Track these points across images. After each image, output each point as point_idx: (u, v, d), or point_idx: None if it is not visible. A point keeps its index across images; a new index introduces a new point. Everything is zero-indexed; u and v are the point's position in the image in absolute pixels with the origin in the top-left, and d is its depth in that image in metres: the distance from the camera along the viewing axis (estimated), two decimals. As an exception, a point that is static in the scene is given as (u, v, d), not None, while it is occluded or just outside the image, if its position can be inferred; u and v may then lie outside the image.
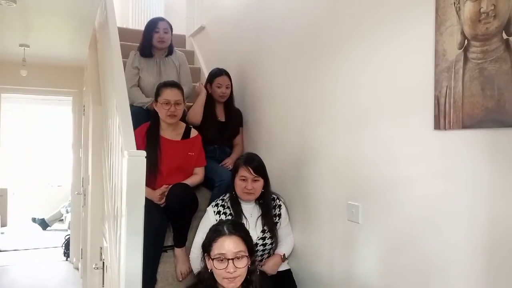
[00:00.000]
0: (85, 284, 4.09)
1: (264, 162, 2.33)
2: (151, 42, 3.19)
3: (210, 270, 1.64)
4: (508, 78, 1.24)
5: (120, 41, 2.53)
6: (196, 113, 2.91)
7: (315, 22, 2.24)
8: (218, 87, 2.97)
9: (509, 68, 1.24)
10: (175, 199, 2.37)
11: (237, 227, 1.71)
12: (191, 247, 2.32)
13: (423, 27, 1.53)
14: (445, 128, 1.44)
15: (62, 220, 7.91)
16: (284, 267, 2.36)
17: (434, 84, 1.48)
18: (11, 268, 5.69)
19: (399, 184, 1.66)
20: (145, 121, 2.62)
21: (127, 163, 1.59)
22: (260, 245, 2.26)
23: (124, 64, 2.42)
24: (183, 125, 2.68)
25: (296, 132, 2.43)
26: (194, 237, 2.43)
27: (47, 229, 7.92)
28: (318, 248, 2.21)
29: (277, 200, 2.39)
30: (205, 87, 3.01)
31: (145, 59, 3.20)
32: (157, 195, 2.42)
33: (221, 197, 2.37)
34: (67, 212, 7.44)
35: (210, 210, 2.31)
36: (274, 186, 2.43)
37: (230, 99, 3.05)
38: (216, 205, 2.32)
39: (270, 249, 2.32)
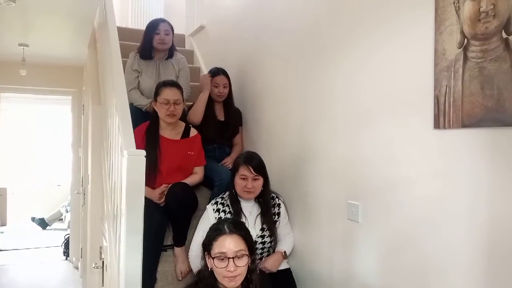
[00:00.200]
0: (85, 283, 4.09)
1: (263, 161, 2.34)
2: (151, 43, 3.12)
3: (211, 269, 1.64)
4: (508, 77, 1.24)
5: (119, 40, 2.53)
6: (197, 113, 2.90)
7: (315, 22, 2.24)
8: (216, 86, 2.96)
9: (508, 67, 1.24)
10: (174, 198, 2.37)
11: (237, 226, 1.71)
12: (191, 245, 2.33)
13: (422, 26, 1.53)
14: (444, 127, 1.44)
15: (62, 219, 7.92)
16: (284, 266, 2.36)
17: (434, 84, 1.48)
18: (10, 268, 5.69)
19: (399, 183, 1.66)
20: (143, 121, 2.61)
21: (127, 163, 1.59)
22: (259, 243, 2.26)
23: (124, 63, 2.41)
24: (183, 124, 2.68)
25: (296, 131, 2.43)
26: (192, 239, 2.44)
27: (46, 228, 7.93)
28: (318, 247, 2.21)
29: (276, 199, 2.40)
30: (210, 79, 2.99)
31: (144, 61, 3.14)
32: (157, 195, 2.42)
33: (220, 195, 2.38)
34: (67, 211, 7.45)
35: (210, 208, 2.31)
36: (273, 185, 2.43)
37: (229, 99, 3.04)
38: (216, 203, 2.33)
39: (269, 247, 2.32)
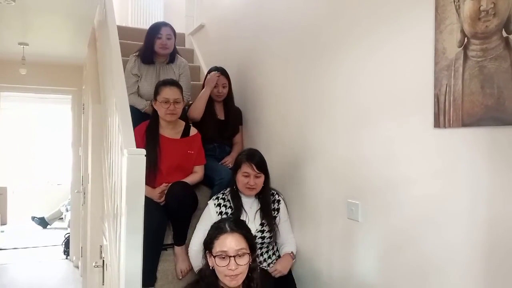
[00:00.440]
0: (85, 282, 4.09)
1: (264, 158, 2.35)
2: (153, 48, 3.07)
3: (212, 268, 1.64)
4: (508, 76, 1.24)
5: (119, 39, 2.53)
6: (197, 109, 2.90)
7: (315, 21, 2.24)
8: (215, 86, 2.96)
9: (508, 66, 1.24)
10: (174, 197, 2.37)
11: (238, 225, 1.72)
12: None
13: (422, 25, 1.53)
14: (444, 126, 1.44)
15: (62, 218, 7.92)
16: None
17: (434, 82, 1.48)
18: (11, 267, 5.70)
19: (399, 182, 1.67)
20: (140, 121, 2.59)
21: (127, 162, 1.59)
22: (258, 238, 2.28)
23: (124, 62, 2.41)
24: (183, 123, 2.68)
25: (296, 130, 2.43)
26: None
27: (47, 227, 7.93)
28: (318, 246, 2.21)
29: (276, 195, 2.41)
30: (203, 85, 2.99)
31: (145, 65, 3.09)
32: (157, 194, 2.42)
33: (221, 192, 2.39)
34: (67, 210, 7.45)
35: (211, 203, 2.33)
36: (273, 184, 2.44)
37: (229, 98, 3.04)
38: (217, 198, 2.35)
39: (268, 242, 2.33)
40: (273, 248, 2.39)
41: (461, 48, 1.38)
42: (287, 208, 2.42)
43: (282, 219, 2.38)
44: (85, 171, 4.43)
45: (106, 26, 2.74)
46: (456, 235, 1.42)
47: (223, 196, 2.35)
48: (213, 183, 2.68)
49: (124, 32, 3.74)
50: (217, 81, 2.95)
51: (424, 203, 1.55)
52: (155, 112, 2.57)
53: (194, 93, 3.22)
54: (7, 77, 5.30)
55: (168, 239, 2.47)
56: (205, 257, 1.71)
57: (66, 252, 6.13)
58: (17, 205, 8.17)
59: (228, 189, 2.37)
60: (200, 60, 4.24)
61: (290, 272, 2.35)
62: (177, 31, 3.22)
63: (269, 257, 2.36)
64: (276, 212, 2.36)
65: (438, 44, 1.47)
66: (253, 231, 2.20)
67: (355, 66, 1.92)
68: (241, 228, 1.70)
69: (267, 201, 2.34)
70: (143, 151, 1.61)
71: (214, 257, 1.62)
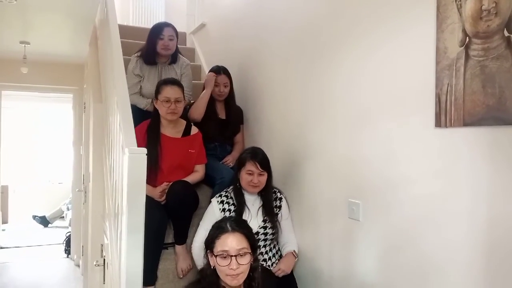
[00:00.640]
0: (86, 281, 4.10)
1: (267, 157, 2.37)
2: (155, 49, 3.06)
3: (213, 267, 1.64)
4: (509, 76, 1.24)
5: (120, 38, 2.53)
6: (198, 109, 2.90)
7: (315, 21, 2.24)
8: (216, 85, 2.95)
9: (510, 66, 1.24)
10: (175, 196, 2.37)
11: (240, 224, 1.71)
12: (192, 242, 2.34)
13: (424, 24, 1.53)
14: (446, 126, 1.44)
15: (63, 217, 7.92)
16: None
17: (435, 82, 1.48)
18: (12, 265, 5.71)
19: (399, 182, 1.66)
20: (141, 119, 2.60)
21: (128, 161, 1.59)
22: (261, 234, 2.29)
23: (125, 61, 2.41)
24: (184, 122, 2.68)
25: (296, 130, 2.43)
26: (194, 235, 2.45)
27: (48, 226, 7.94)
28: (319, 245, 2.21)
29: (278, 193, 2.43)
30: (204, 85, 3.00)
31: (147, 66, 3.08)
32: (158, 193, 2.42)
33: (224, 189, 2.42)
34: (68, 209, 7.46)
35: (214, 201, 2.36)
36: (274, 183, 2.44)
37: (230, 97, 3.04)
38: (220, 195, 2.37)
39: (271, 239, 2.34)
40: (275, 247, 2.40)
41: (462, 47, 1.38)
42: (288, 207, 2.43)
43: (283, 216, 2.39)
44: (86, 170, 4.43)
45: (107, 25, 2.74)
46: (457, 235, 1.42)
47: (226, 194, 2.37)
48: (214, 182, 2.68)
49: (125, 31, 3.74)
50: (218, 80, 2.95)
51: (424, 202, 1.55)
52: (156, 111, 2.57)
53: (195, 93, 3.22)
54: (9, 75, 5.30)
55: (169, 238, 2.47)
56: (206, 256, 1.71)
57: (67, 251, 6.14)
58: (18, 204, 8.18)
59: (231, 186, 2.39)
60: (201, 59, 4.24)
61: (291, 271, 2.36)
62: (178, 30, 3.22)
63: (273, 255, 2.37)
64: (278, 210, 2.38)
65: (440, 43, 1.47)
66: (256, 228, 2.24)
67: (355, 65, 1.92)
68: (243, 228, 1.70)
69: (270, 199, 2.36)
70: (144, 150, 1.62)
71: (216, 256, 1.62)
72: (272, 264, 2.33)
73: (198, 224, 2.43)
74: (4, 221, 7.71)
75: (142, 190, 1.61)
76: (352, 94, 1.95)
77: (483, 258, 1.33)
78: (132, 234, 1.60)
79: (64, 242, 6.29)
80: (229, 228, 1.66)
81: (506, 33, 1.25)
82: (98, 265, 2.81)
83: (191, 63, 3.57)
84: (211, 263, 1.65)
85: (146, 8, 5.98)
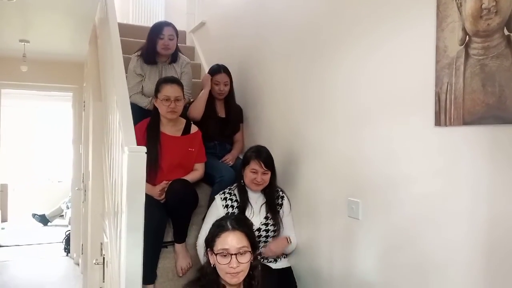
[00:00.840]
0: (86, 279, 4.10)
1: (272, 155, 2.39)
2: (155, 48, 3.06)
3: (213, 265, 1.64)
4: (509, 75, 1.24)
5: (120, 37, 2.52)
6: (197, 108, 2.90)
7: (316, 19, 2.24)
8: (216, 84, 2.95)
9: (510, 65, 1.23)
10: (175, 195, 2.37)
11: (240, 223, 1.71)
12: (192, 242, 2.33)
13: (424, 23, 1.53)
14: (445, 125, 1.44)
15: (63, 215, 7.92)
16: (284, 264, 2.38)
17: (435, 81, 1.48)
18: (11, 264, 5.71)
19: (400, 181, 1.66)
20: (140, 117, 2.59)
21: (128, 159, 1.59)
22: (263, 230, 2.32)
23: (125, 60, 2.41)
24: (183, 120, 2.68)
25: (296, 128, 2.43)
26: (194, 233, 2.45)
27: (47, 224, 7.94)
28: (318, 244, 2.21)
29: (280, 192, 2.45)
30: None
31: (147, 65, 3.08)
32: (157, 191, 2.42)
33: (228, 187, 2.45)
34: (68, 207, 7.46)
35: (218, 197, 2.39)
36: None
37: (230, 96, 3.04)
38: (223, 192, 2.41)
39: (272, 236, 2.36)
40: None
41: (462, 46, 1.38)
42: (290, 205, 2.44)
43: (285, 213, 2.40)
44: (85, 169, 4.43)
45: (107, 23, 2.73)
46: (457, 234, 1.42)
47: (229, 191, 2.40)
48: (213, 181, 2.68)
49: (125, 30, 3.74)
50: (219, 79, 2.95)
51: (424, 201, 1.54)
52: (156, 109, 2.57)
53: (195, 91, 3.22)
54: (8, 74, 5.29)
55: (168, 237, 2.47)
56: (206, 254, 1.71)
57: (67, 250, 6.14)
58: (18, 203, 8.18)
59: (235, 184, 2.43)
60: (201, 57, 4.23)
61: (291, 271, 2.37)
62: (178, 28, 3.21)
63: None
64: (279, 207, 2.40)
65: (440, 42, 1.47)
66: (258, 224, 2.28)
67: (355, 64, 1.92)
68: (243, 226, 1.69)
69: (273, 196, 2.38)
70: (143, 149, 1.61)
71: (216, 254, 1.62)
72: (272, 261, 2.34)
73: (198, 222, 2.44)
74: (4, 220, 7.71)
75: (141, 188, 1.61)
76: (352, 93, 1.95)
77: (483, 258, 1.33)
78: (132, 232, 1.60)
79: (64, 240, 6.29)
80: (230, 226, 1.66)
81: (506, 32, 1.25)
82: (97, 264, 2.81)
83: (191, 62, 3.57)
84: (211, 261, 1.65)
85: (146, 7, 5.98)
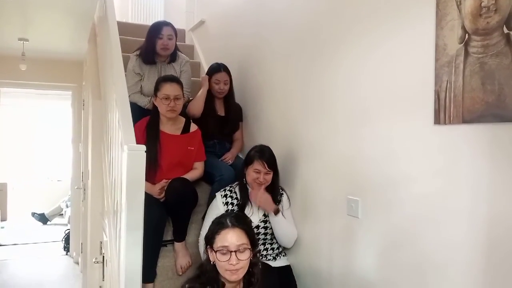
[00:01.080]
0: (85, 278, 4.10)
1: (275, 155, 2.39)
2: (154, 48, 3.05)
3: (213, 263, 1.65)
4: (509, 73, 1.24)
5: (119, 35, 2.52)
6: (196, 106, 2.90)
7: (316, 18, 2.24)
8: (216, 83, 2.95)
9: (509, 63, 1.23)
10: (174, 193, 2.37)
11: (240, 220, 1.72)
12: (191, 241, 2.33)
13: (423, 21, 1.53)
14: (445, 123, 1.44)
15: (62, 214, 7.92)
16: (283, 263, 2.39)
17: (435, 79, 1.48)
18: (11, 263, 5.71)
19: (399, 179, 1.66)
20: (140, 117, 2.59)
21: (127, 158, 1.59)
22: (261, 228, 2.34)
23: (124, 58, 2.40)
24: (183, 119, 2.67)
25: (296, 127, 2.43)
26: (194, 232, 2.46)
27: (47, 223, 7.94)
28: (318, 242, 2.22)
29: (280, 190, 2.45)
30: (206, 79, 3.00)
31: (146, 65, 3.07)
32: (157, 190, 2.41)
33: (229, 185, 2.46)
34: (67, 206, 7.46)
35: (218, 195, 2.41)
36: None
37: (230, 94, 3.03)
38: (224, 190, 2.43)
39: (271, 233, 2.37)
40: (276, 243, 2.41)
41: (462, 44, 1.38)
42: (289, 201, 2.44)
43: (284, 207, 2.41)
44: (85, 167, 4.43)
45: (106, 22, 2.73)
46: (456, 233, 1.42)
47: (230, 189, 2.42)
48: (213, 179, 2.69)
49: (124, 28, 3.74)
50: (219, 78, 2.95)
51: (424, 200, 1.55)
52: (155, 108, 2.56)
53: (194, 90, 3.22)
54: (7, 73, 5.28)
55: (168, 235, 2.47)
56: (206, 252, 1.71)
57: (66, 248, 6.14)
58: (17, 201, 8.18)
59: (237, 182, 2.44)
60: (200, 56, 4.23)
61: (290, 269, 2.37)
62: (177, 27, 3.21)
63: (273, 251, 2.38)
64: (278, 204, 2.39)
65: (439, 40, 1.47)
66: (256, 222, 2.30)
67: (355, 63, 1.92)
68: (242, 224, 1.70)
69: (274, 195, 2.37)
70: (143, 147, 1.61)
71: (215, 252, 1.63)
72: (272, 259, 2.35)
73: (197, 221, 2.44)
74: (3, 219, 7.71)
75: (141, 187, 1.61)
76: (352, 92, 1.95)
77: (483, 257, 1.33)
78: (131, 231, 1.60)
79: (63, 239, 6.29)
80: (229, 223, 1.66)
81: (505, 30, 1.25)
82: (97, 262, 2.81)
83: (190, 60, 3.56)
84: (211, 259, 1.66)
85: (145, 5, 5.96)
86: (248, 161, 2.36)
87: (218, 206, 2.34)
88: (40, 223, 7.92)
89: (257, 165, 2.31)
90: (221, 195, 2.39)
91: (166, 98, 2.47)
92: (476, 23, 1.33)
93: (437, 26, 1.47)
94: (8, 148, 8.40)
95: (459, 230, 1.41)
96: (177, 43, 3.20)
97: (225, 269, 1.60)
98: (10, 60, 5.07)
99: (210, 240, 1.68)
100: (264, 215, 2.35)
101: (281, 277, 2.29)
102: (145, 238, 1.63)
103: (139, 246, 1.61)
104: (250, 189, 2.37)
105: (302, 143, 2.36)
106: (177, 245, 2.42)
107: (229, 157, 2.92)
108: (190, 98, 3.07)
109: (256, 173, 2.32)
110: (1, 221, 7.54)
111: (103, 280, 2.69)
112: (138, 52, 3.11)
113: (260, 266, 1.75)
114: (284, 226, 2.34)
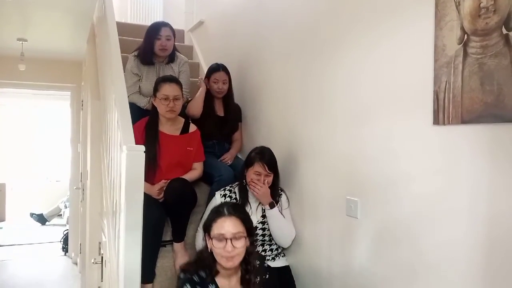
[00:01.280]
0: (84, 279, 4.09)
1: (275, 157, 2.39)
2: (152, 49, 3.05)
3: (210, 250, 1.71)
4: (508, 73, 1.24)
5: (118, 35, 2.52)
6: (194, 106, 2.91)
7: (315, 18, 2.24)
8: (215, 82, 2.96)
9: (508, 63, 1.24)
10: (173, 194, 2.37)
11: (236, 209, 1.78)
12: (190, 241, 2.33)
13: (422, 22, 1.53)
14: (444, 123, 1.44)
15: (61, 215, 7.91)
16: (283, 263, 2.39)
17: (434, 79, 1.48)
18: (9, 263, 5.70)
19: (398, 179, 1.66)
20: (139, 117, 2.59)
21: (126, 158, 1.59)
22: (259, 229, 2.34)
23: (123, 59, 2.40)
24: (182, 120, 2.67)
25: (295, 127, 2.43)
26: (193, 232, 2.46)
27: (45, 224, 7.93)
28: (317, 243, 2.22)
29: (279, 191, 2.45)
30: (204, 82, 3.00)
31: (144, 66, 3.06)
32: (156, 190, 2.41)
33: (229, 185, 2.48)
34: (66, 207, 7.45)
35: (217, 194, 2.43)
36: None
37: (229, 94, 3.04)
38: (224, 189, 2.44)
39: (269, 235, 2.37)
40: (274, 244, 2.41)
41: (461, 45, 1.38)
42: (288, 201, 2.44)
43: (283, 206, 2.41)
44: (84, 168, 4.43)
45: (105, 22, 2.73)
46: (455, 233, 1.42)
47: (230, 189, 2.44)
48: (212, 180, 2.68)
49: (123, 28, 3.73)
50: (217, 77, 2.95)
51: (423, 200, 1.55)
52: (154, 108, 2.56)
53: (193, 90, 3.22)
54: (6, 73, 5.27)
55: (167, 236, 2.47)
56: (204, 239, 1.77)
57: (65, 249, 6.13)
58: (16, 202, 8.16)
59: (237, 182, 2.45)
60: (200, 56, 4.23)
61: (288, 268, 2.37)
62: (176, 27, 3.21)
63: (271, 252, 2.38)
64: (276, 204, 2.39)
65: (438, 41, 1.47)
66: (254, 222, 2.29)
67: (355, 63, 1.92)
68: (239, 212, 1.77)
69: (274, 197, 2.37)
70: (142, 148, 1.61)
71: (212, 239, 1.69)
72: (270, 260, 2.35)
73: (196, 221, 2.44)
74: (2, 219, 7.68)
75: (140, 187, 1.61)
76: (351, 91, 1.95)
77: (483, 257, 1.33)
78: (130, 231, 1.60)
79: (62, 240, 6.28)
80: (226, 212, 1.73)
81: (504, 31, 1.25)
82: (96, 263, 2.81)
83: (189, 61, 3.56)
84: (208, 246, 1.72)
85: (144, 6, 5.96)
86: (249, 162, 2.36)
87: (217, 203, 2.33)
88: (39, 224, 7.90)
89: (258, 167, 2.31)
90: (221, 195, 2.40)
91: (165, 99, 2.47)
92: (475, 23, 1.33)
93: (436, 27, 1.47)
94: (6, 149, 8.39)
95: (458, 230, 1.41)
96: (176, 43, 3.20)
97: (221, 256, 1.66)
98: (9, 60, 5.06)
99: (207, 227, 1.74)
100: (262, 216, 2.35)
101: (280, 277, 2.29)
102: (144, 238, 1.63)
103: (138, 247, 1.61)
104: (250, 190, 2.37)
105: (302, 143, 2.36)
106: (176, 245, 2.42)
107: (228, 158, 2.92)
108: (189, 99, 3.07)
109: (257, 175, 2.32)
110: (0, 221, 7.52)
111: (102, 281, 2.69)
112: (136, 53, 3.10)
113: (258, 264, 1.79)
114: (279, 221, 2.34)
